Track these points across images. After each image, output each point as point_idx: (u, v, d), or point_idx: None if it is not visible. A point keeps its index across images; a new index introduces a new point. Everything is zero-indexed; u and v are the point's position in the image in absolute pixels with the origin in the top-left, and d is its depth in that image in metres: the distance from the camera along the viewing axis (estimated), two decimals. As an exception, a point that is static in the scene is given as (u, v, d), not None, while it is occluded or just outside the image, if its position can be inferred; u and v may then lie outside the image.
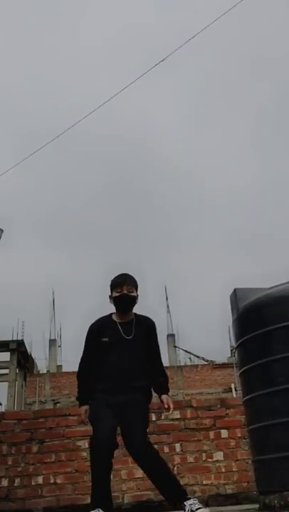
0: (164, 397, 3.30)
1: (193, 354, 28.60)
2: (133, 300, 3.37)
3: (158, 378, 3.36)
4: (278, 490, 3.01)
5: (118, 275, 3.45)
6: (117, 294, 3.34)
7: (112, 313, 3.44)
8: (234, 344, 3.71)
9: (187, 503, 2.94)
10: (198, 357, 28.19)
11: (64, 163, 54.28)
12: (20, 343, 23.28)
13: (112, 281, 3.43)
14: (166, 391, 3.35)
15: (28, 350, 25.34)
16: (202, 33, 7.60)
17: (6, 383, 21.78)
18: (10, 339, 23.11)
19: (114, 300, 3.36)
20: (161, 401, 3.30)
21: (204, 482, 4.79)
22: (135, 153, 57.33)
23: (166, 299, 30.11)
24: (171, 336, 28.19)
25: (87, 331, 3.44)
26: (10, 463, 4.81)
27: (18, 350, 22.74)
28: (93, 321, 3.46)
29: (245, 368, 3.41)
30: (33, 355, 27.32)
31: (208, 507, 4.58)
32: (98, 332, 3.35)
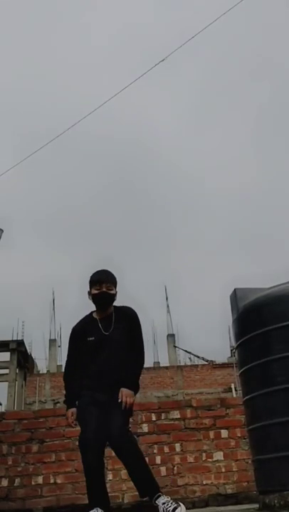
0: (124, 391, 3.17)
1: (193, 354, 28.62)
2: (112, 298, 3.36)
3: (127, 369, 3.25)
4: (278, 489, 3.01)
5: (97, 272, 3.42)
6: (96, 292, 3.33)
7: (92, 312, 3.45)
8: (234, 344, 3.71)
9: (159, 501, 2.96)
10: (198, 357, 28.21)
11: (64, 163, 54.29)
12: (21, 343, 23.29)
13: (91, 277, 3.41)
14: (128, 384, 3.21)
15: (28, 350, 25.37)
16: (202, 33, 7.60)
17: (6, 383, 21.79)
18: (10, 339, 23.12)
19: (93, 297, 3.36)
20: (122, 393, 3.16)
21: (204, 482, 4.79)
22: (135, 153, 57.34)
23: (166, 299, 30.15)
24: (171, 336, 28.20)
25: (70, 332, 3.44)
26: (10, 463, 4.81)
27: (18, 350, 22.74)
28: (76, 323, 3.46)
29: (245, 367, 3.41)
30: (33, 355, 27.35)
31: (208, 506, 4.61)
32: (83, 332, 3.35)
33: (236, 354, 3.73)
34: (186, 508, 4.56)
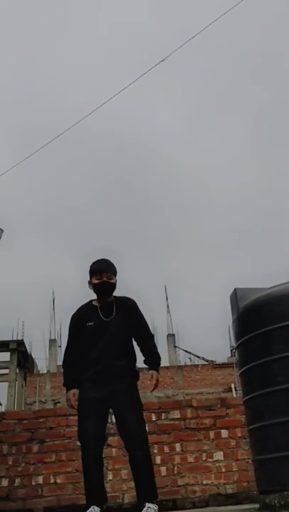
0: (151, 373, 3.30)
1: (193, 354, 28.61)
2: (113, 287, 3.39)
3: (147, 353, 3.36)
4: (278, 489, 3.01)
5: (97, 261, 3.45)
6: (97, 281, 3.36)
7: (91, 300, 3.47)
8: (234, 344, 3.71)
9: (149, 504, 2.97)
10: (198, 357, 28.20)
11: (64, 164, 54.27)
12: (21, 343, 23.29)
13: (92, 267, 3.44)
14: (155, 366, 3.33)
15: (28, 350, 25.36)
16: (202, 33, 7.59)
17: (6, 383, 21.79)
18: (10, 339, 23.12)
19: (94, 287, 3.38)
20: (152, 376, 3.29)
21: (204, 482, 4.79)
22: (135, 153, 57.32)
23: (166, 299, 30.11)
24: (171, 336, 28.18)
25: (70, 319, 3.48)
26: (10, 463, 4.81)
27: (18, 350, 22.75)
28: (75, 311, 3.50)
29: (245, 367, 3.41)
30: (33, 355, 27.34)
31: (208, 506, 4.61)
32: (81, 319, 3.38)
33: (236, 354, 3.73)
34: (187, 508, 4.58)
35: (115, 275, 3.42)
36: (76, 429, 3.26)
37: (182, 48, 7.74)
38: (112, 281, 3.38)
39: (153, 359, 3.36)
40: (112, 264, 3.45)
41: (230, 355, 25.51)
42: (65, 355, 3.46)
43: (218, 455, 4.90)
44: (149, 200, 54.05)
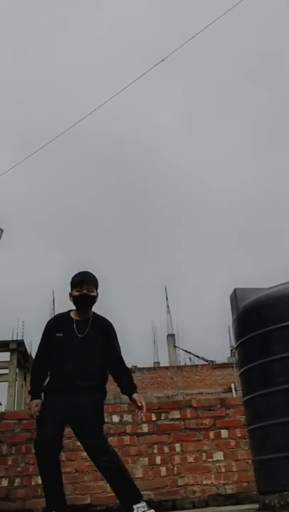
0: (134, 396, 3.28)
1: (193, 354, 28.59)
2: (93, 300, 3.37)
3: (121, 378, 3.34)
4: (278, 490, 3.01)
5: (78, 273, 3.43)
6: (77, 294, 3.34)
7: (70, 310, 3.45)
8: (234, 344, 3.71)
9: (136, 506, 2.97)
10: (198, 357, 28.19)
11: (64, 163, 54.26)
12: (21, 343, 23.27)
13: (73, 279, 3.42)
14: (133, 390, 3.31)
15: (28, 350, 25.32)
16: (202, 33, 7.59)
17: (6, 383, 21.77)
18: (10, 339, 23.10)
19: (74, 299, 3.37)
20: (133, 401, 3.28)
21: (204, 482, 4.79)
22: (135, 153, 57.32)
23: (166, 299, 30.12)
24: (171, 336, 28.18)
25: (45, 325, 3.46)
26: (10, 463, 4.81)
27: (18, 350, 22.72)
28: (51, 318, 3.51)
29: (245, 367, 3.41)
30: (33, 356, 27.29)
31: (208, 507, 4.60)
32: (54, 327, 3.37)
33: (236, 354, 3.72)
34: (187, 508, 4.57)
35: (96, 288, 3.40)
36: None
37: (182, 47, 7.75)
38: (93, 293, 3.36)
39: (131, 383, 3.34)
40: (94, 277, 3.43)
41: (230, 355, 25.51)
42: (35, 361, 3.44)
43: (218, 455, 4.90)
44: (149, 200, 54.06)
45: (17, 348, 22.57)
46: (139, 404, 3.24)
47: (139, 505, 2.97)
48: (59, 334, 3.30)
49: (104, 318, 3.46)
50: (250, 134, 58.31)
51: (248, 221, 55.25)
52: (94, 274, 3.45)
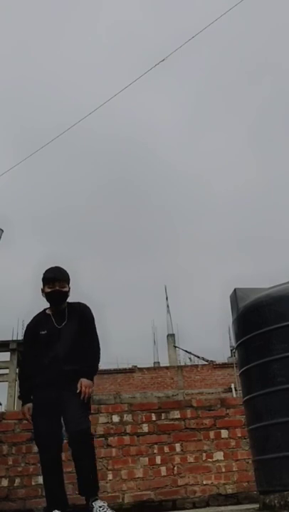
0: (84, 381, 3.23)
1: (193, 354, 28.60)
2: (65, 295, 3.41)
3: (84, 362, 3.31)
4: (278, 490, 3.01)
5: (49, 269, 3.46)
6: (49, 290, 3.38)
7: (45, 309, 3.51)
8: (234, 344, 3.71)
9: (96, 504, 3.00)
10: (198, 357, 28.19)
11: (64, 163, 54.26)
12: (21, 343, 23.23)
13: (44, 275, 3.46)
14: (85, 375, 3.26)
15: (28, 350, 25.32)
16: (202, 33, 7.59)
17: (6, 383, 21.76)
18: (10, 339, 23.09)
19: (47, 296, 3.41)
20: (81, 384, 3.23)
21: (204, 482, 4.79)
22: (135, 153, 57.31)
23: (166, 298, 30.14)
24: (171, 336, 28.19)
25: (24, 330, 3.51)
26: (10, 463, 4.81)
27: (18, 350, 22.69)
28: (29, 321, 3.52)
29: (245, 367, 3.41)
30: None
31: (208, 507, 4.61)
32: (35, 327, 3.41)
33: (236, 354, 3.72)
34: (187, 508, 4.57)
35: (68, 283, 3.44)
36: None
37: (182, 48, 7.74)
38: (65, 289, 3.40)
39: (83, 367, 3.29)
40: (65, 272, 3.46)
41: (230, 355, 25.51)
42: (22, 366, 3.50)
43: (218, 455, 4.90)
44: (149, 199, 54.05)
45: (17, 348, 22.54)
46: (78, 390, 3.20)
47: (101, 503, 3.04)
48: (43, 332, 3.34)
49: (78, 303, 3.49)
50: (250, 133, 58.30)
51: (248, 221, 55.26)
52: (64, 268, 3.49)
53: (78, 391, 3.18)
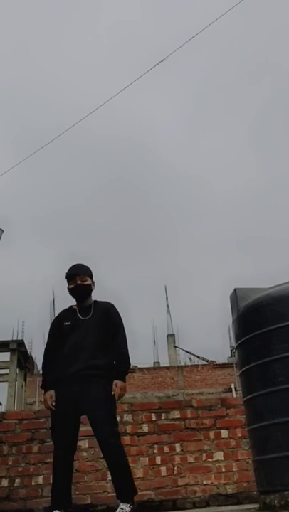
0: (115, 382, 3.26)
1: (193, 354, 28.61)
2: (88, 288, 3.46)
3: (117, 365, 3.34)
4: (279, 490, 3.01)
5: (70, 267, 3.54)
6: (72, 286, 3.45)
7: (72, 305, 3.56)
8: (234, 344, 3.71)
9: (124, 505, 3.01)
10: (198, 357, 28.20)
11: (64, 163, 54.26)
12: (21, 343, 23.27)
13: (66, 274, 3.52)
14: (120, 376, 3.29)
15: (28, 350, 25.34)
16: (202, 33, 7.59)
17: (6, 383, 21.77)
18: (10, 339, 23.10)
19: (70, 292, 3.48)
20: (115, 385, 3.25)
21: (204, 482, 4.79)
22: (135, 153, 57.31)
23: (166, 298, 30.14)
24: (171, 336, 28.19)
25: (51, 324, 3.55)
26: (11, 463, 4.81)
27: (18, 350, 22.73)
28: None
29: (245, 367, 3.41)
30: (33, 355, 27.32)
31: (209, 506, 4.61)
32: (61, 320, 3.46)
33: (236, 354, 3.72)
34: (187, 508, 4.58)
35: (90, 277, 3.50)
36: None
37: (182, 48, 7.74)
38: (87, 282, 3.46)
39: (117, 367, 3.32)
40: (85, 267, 3.53)
41: (230, 355, 25.53)
42: (44, 355, 3.49)
43: (219, 455, 4.90)
44: (149, 199, 54.04)
45: (17, 348, 22.57)
46: (113, 393, 3.22)
47: (124, 506, 3.02)
48: (67, 323, 3.40)
49: (105, 301, 3.54)
50: (250, 133, 58.30)
51: (248, 221, 55.27)
52: (86, 264, 3.54)
53: (113, 393, 3.21)
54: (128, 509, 3.00)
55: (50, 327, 3.52)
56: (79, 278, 3.44)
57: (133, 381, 24.45)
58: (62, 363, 3.28)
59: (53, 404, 3.23)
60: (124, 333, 3.43)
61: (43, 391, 3.35)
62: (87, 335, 3.31)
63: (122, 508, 2.99)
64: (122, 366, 3.33)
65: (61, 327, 3.41)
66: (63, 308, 3.59)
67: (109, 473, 4.67)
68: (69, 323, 3.40)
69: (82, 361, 3.23)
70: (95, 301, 3.50)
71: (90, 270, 3.53)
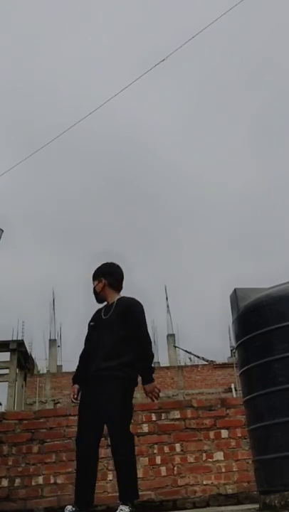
0: (146, 387, 3.28)
1: (193, 354, 28.62)
2: (95, 292, 3.60)
3: (138, 363, 3.30)
4: (279, 490, 3.01)
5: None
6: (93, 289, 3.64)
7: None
8: (234, 344, 3.71)
9: (124, 507, 3.01)
10: (198, 357, 28.21)
11: (64, 163, 54.26)
12: (21, 343, 23.29)
13: None
14: (147, 378, 3.28)
15: (28, 350, 25.35)
16: (202, 33, 7.59)
17: (6, 383, 21.78)
18: (10, 339, 23.11)
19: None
20: (145, 391, 3.29)
21: (205, 482, 4.79)
22: (135, 153, 57.33)
23: (166, 299, 30.14)
24: (171, 336, 28.19)
25: None
26: (11, 463, 4.81)
27: (18, 350, 22.74)
28: None
29: (245, 367, 3.41)
30: (33, 355, 27.33)
31: (209, 507, 4.61)
32: (89, 321, 3.60)
33: (236, 354, 3.72)
34: (187, 508, 4.58)
35: (96, 278, 3.61)
36: (76, 429, 3.31)
37: (182, 48, 7.74)
38: (95, 286, 3.60)
39: (140, 366, 3.29)
40: (96, 269, 3.65)
41: (230, 355, 25.53)
42: (81, 353, 3.57)
43: (219, 455, 4.90)
44: (149, 199, 54.05)
45: (17, 348, 22.58)
46: (150, 399, 3.33)
47: (123, 507, 3.01)
48: (92, 323, 3.53)
49: (128, 298, 3.52)
50: (250, 133, 58.32)
51: (248, 221, 55.25)
52: (106, 262, 3.68)
53: (151, 400, 3.32)
54: (128, 510, 2.99)
55: (88, 326, 3.62)
56: (94, 282, 3.62)
57: (133, 381, 24.43)
58: (85, 364, 3.40)
59: (74, 397, 3.36)
60: (146, 329, 3.35)
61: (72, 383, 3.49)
62: (105, 334, 3.35)
63: (121, 509, 2.99)
64: (142, 363, 3.28)
65: (89, 325, 3.55)
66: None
67: (109, 473, 4.68)
68: (93, 323, 3.52)
69: (97, 362, 3.29)
70: (120, 298, 3.51)
71: (99, 271, 3.62)
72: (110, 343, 3.29)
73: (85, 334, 3.57)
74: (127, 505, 3.03)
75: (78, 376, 3.45)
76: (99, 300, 3.60)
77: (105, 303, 3.58)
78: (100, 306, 3.65)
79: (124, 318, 3.35)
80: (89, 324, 3.55)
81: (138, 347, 3.29)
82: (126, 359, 3.25)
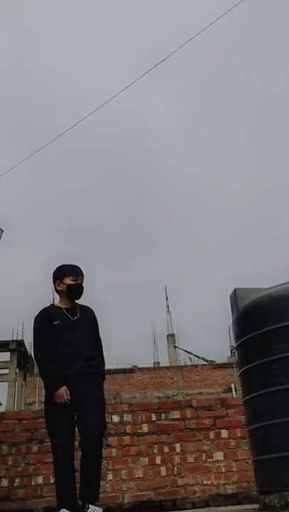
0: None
1: (193, 354, 28.61)
2: (83, 290, 3.58)
3: (97, 363, 3.50)
4: (278, 490, 3.01)
5: (72, 265, 3.61)
6: (73, 283, 3.51)
7: (52, 304, 3.66)
8: (234, 344, 3.71)
9: (92, 507, 3.02)
10: (198, 357, 28.20)
11: (64, 164, 54.25)
12: (20, 343, 23.27)
13: (66, 268, 3.57)
14: (101, 378, 3.50)
15: (28, 350, 25.32)
16: (202, 33, 7.58)
17: (6, 383, 21.77)
18: (10, 339, 23.10)
19: (69, 287, 3.50)
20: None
21: (204, 482, 4.79)
22: (135, 153, 57.33)
23: (166, 299, 30.16)
24: (171, 336, 28.20)
25: (34, 321, 3.51)
26: (10, 463, 4.80)
27: (18, 350, 22.73)
28: (38, 313, 3.55)
29: (245, 367, 3.41)
30: (33, 356, 27.31)
31: (208, 507, 4.60)
32: (48, 318, 3.47)
33: (236, 354, 3.72)
34: (187, 509, 4.57)
35: (82, 276, 3.63)
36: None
37: (182, 48, 7.73)
38: (82, 283, 3.57)
39: (99, 370, 3.50)
40: (79, 267, 3.66)
41: (230, 355, 25.53)
42: (40, 354, 3.44)
43: (218, 455, 4.89)
44: (149, 199, 54.05)
45: (17, 348, 22.57)
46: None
47: (95, 508, 3.04)
48: (56, 322, 3.42)
49: (87, 306, 3.64)
50: (250, 133, 58.31)
51: (248, 221, 55.26)
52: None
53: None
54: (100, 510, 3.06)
55: (39, 323, 3.47)
56: (80, 278, 3.54)
57: (132, 381, 24.47)
58: (61, 362, 3.30)
59: (69, 398, 3.25)
60: (101, 345, 3.63)
61: (47, 388, 3.35)
62: (82, 335, 3.40)
63: (95, 510, 3.02)
64: (102, 370, 3.52)
65: (50, 325, 3.41)
66: (45, 306, 3.60)
67: (109, 473, 4.68)
68: (58, 322, 3.41)
69: (83, 359, 3.32)
70: (79, 304, 3.59)
71: (80, 268, 3.68)
72: (89, 344, 3.43)
73: (36, 331, 3.46)
74: (94, 504, 3.07)
75: (59, 376, 3.31)
76: (78, 297, 3.55)
77: (56, 304, 3.58)
78: (46, 305, 3.60)
79: (92, 324, 3.54)
80: (51, 323, 3.40)
81: (100, 353, 3.56)
82: (98, 360, 3.49)
